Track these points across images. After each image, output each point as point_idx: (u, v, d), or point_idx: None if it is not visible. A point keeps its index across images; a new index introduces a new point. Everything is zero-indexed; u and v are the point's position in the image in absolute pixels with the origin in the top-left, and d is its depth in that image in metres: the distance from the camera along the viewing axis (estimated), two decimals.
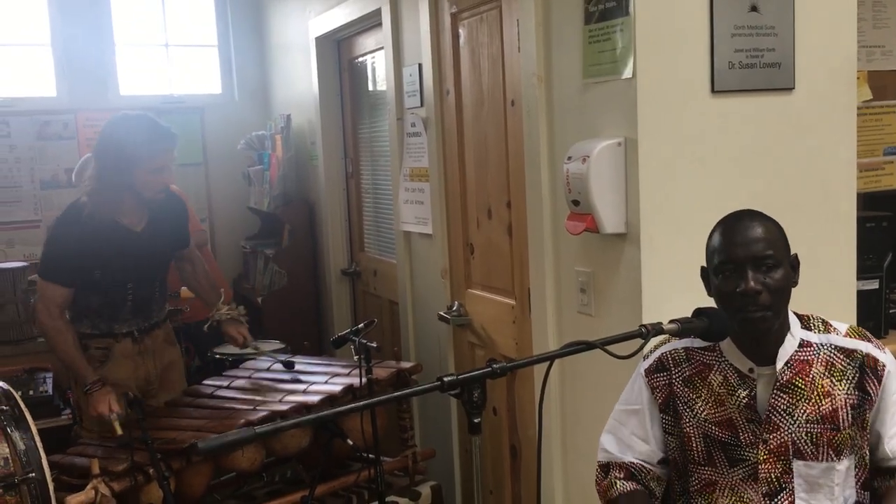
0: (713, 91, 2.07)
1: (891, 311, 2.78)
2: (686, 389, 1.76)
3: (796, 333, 1.70)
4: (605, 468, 1.87)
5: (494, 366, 1.44)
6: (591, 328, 2.23)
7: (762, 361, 1.69)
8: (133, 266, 2.87)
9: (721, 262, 1.67)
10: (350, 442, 2.61)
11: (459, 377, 1.41)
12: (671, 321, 1.62)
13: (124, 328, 2.92)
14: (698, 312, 1.65)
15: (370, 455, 2.60)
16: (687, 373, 1.77)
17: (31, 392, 3.49)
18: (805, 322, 1.74)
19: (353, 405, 1.42)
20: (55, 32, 4.77)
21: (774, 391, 1.67)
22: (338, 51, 4.29)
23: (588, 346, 1.53)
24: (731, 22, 2.06)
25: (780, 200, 2.18)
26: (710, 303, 1.73)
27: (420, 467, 2.97)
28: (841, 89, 2.24)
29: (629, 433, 1.83)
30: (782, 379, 1.68)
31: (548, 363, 1.55)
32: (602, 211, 2.07)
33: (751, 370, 1.69)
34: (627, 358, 1.55)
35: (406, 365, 2.99)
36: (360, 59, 4.09)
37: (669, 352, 1.80)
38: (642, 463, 1.81)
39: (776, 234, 1.67)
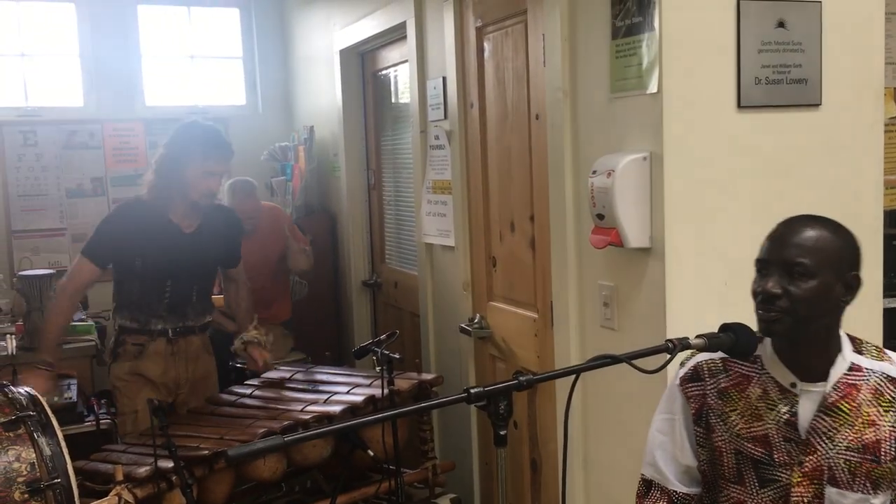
0: (739, 106, 2.07)
1: None
2: (720, 402, 1.69)
3: (847, 356, 1.62)
4: (648, 485, 1.80)
5: (521, 378, 1.44)
6: (614, 342, 2.23)
7: (806, 377, 1.61)
8: (174, 264, 2.97)
9: (757, 259, 1.63)
10: (371, 453, 2.62)
11: (486, 389, 1.42)
12: (698, 336, 1.61)
13: (159, 325, 3.00)
14: (725, 328, 1.63)
15: (391, 466, 2.60)
16: (723, 384, 1.70)
17: (55, 399, 3.52)
18: (858, 346, 1.65)
19: (378, 415, 1.43)
20: (84, 43, 4.84)
21: (818, 412, 1.60)
22: (361, 63, 4.32)
23: (614, 360, 1.53)
24: (759, 37, 2.06)
25: None
26: (730, 319, 1.71)
27: (440, 479, 2.97)
28: (868, 106, 2.23)
29: (671, 443, 1.76)
30: (828, 401, 1.59)
31: (574, 377, 1.55)
32: (627, 225, 2.07)
33: (793, 385, 1.62)
34: (654, 372, 1.55)
35: (427, 377, 2.99)
36: (384, 72, 4.12)
37: (706, 361, 1.73)
38: (685, 493, 1.75)
39: (827, 243, 1.57)
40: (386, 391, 2.61)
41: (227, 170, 3.09)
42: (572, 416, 2.42)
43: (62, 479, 2.07)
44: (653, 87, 2.03)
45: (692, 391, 1.73)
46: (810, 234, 1.58)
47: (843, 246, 1.60)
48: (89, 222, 3.03)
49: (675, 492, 1.76)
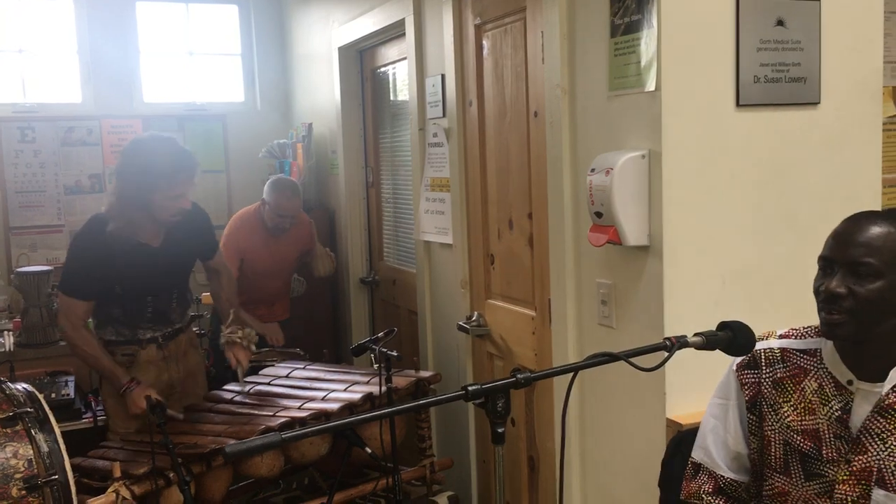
0: (738, 104, 2.07)
1: None
2: (774, 392, 1.67)
3: None
4: (697, 468, 1.78)
5: (519, 376, 1.43)
6: (612, 340, 2.23)
7: (863, 376, 1.58)
8: (152, 281, 2.91)
9: (821, 256, 1.59)
10: (369, 450, 2.62)
11: (484, 386, 1.41)
12: (696, 334, 1.61)
13: (148, 334, 2.95)
14: (723, 326, 1.63)
15: (389, 464, 2.60)
16: (779, 374, 1.68)
17: (52, 395, 3.53)
18: None
19: (377, 413, 1.43)
20: (82, 39, 4.83)
21: (872, 412, 1.57)
22: (360, 61, 4.32)
23: (612, 357, 1.52)
24: (758, 36, 2.06)
25: (803, 215, 2.18)
26: (728, 317, 1.71)
27: (437, 477, 2.98)
28: (866, 104, 2.23)
29: (724, 428, 1.74)
30: (885, 402, 1.56)
31: (571, 375, 1.54)
32: (625, 223, 2.07)
33: (850, 382, 1.58)
34: (651, 370, 1.54)
35: (425, 374, 2.99)
36: (383, 70, 4.11)
37: (764, 350, 1.70)
38: (732, 479, 1.73)
39: (894, 244, 1.52)
40: (384, 389, 2.61)
41: (195, 183, 2.89)
42: (570, 413, 2.44)
43: (59, 476, 2.07)
44: (651, 85, 2.03)
45: (748, 378, 1.71)
46: (878, 231, 1.53)
47: None
48: (87, 219, 2.95)
49: (723, 476, 1.74)
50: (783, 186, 2.14)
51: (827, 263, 1.57)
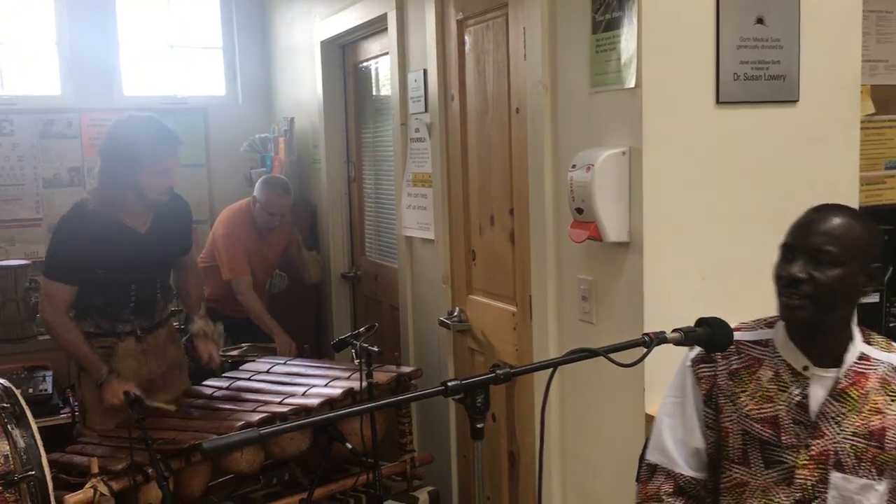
0: (718, 102, 2.08)
1: (891, 325, 2.79)
2: (730, 383, 1.71)
3: (858, 346, 1.66)
4: (652, 469, 1.80)
5: (498, 371, 1.44)
6: (592, 336, 2.24)
7: (818, 362, 1.64)
8: (136, 267, 2.88)
9: (783, 244, 1.65)
10: (349, 446, 2.61)
11: (463, 382, 1.42)
12: (674, 330, 1.62)
13: (127, 327, 2.93)
14: (701, 322, 1.65)
15: (369, 459, 2.60)
16: (734, 366, 1.72)
17: (30, 390, 3.50)
18: (867, 337, 1.69)
19: (357, 408, 1.43)
20: (61, 31, 4.78)
21: (828, 397, 1.63)
22: (342, 55, 4.31)
23: (591, 353, 1.53)
24: (738, 34, 2.07)
25: (782, 212, 2.18)
26: (707, 313, 1.72)
27: (418, 472, 2.98)
28: (845, 103, 2.25)
29: (681, 426, 1.77)
30: (838, 386, 1.63)
31: (551, 370, 1.55)
32: (605, 219, 2.08)
33: (806, 368, 1.65)
34: (630, 366, 1.55)
35: (406, 369, 2.99)
36: (365, 64, 4.10)
37: None
38: (692, 476, 1.76)
39: (854, 233, 1.59)
40: (364, 384, 2.61)
41: (179, 159, 2.89)
42: (550, 409, 2.44)
43: (36, 472, 2.06)
44: (632, 82, 2.04)
45: (704, 372, 1.75)
46: (838, 222, 1.60)
47: (868, 236, 1.62)
48: (72, 204, 2.91)
49: (682, 475, 1.76)
50: (762, 183, 2.16)
51: (789, 250, 1.63)
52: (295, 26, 4.73)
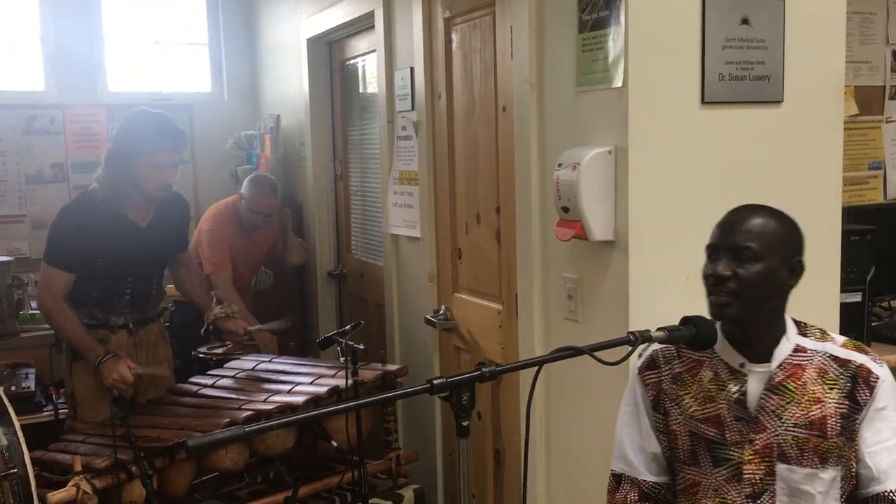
0: (703, 102, 2.09)
1: (873, 324, 2.82)
2: (674, 386, 1.77)
3: (792, 338, 1.71)
4: (618, 479, 1.85)
5: (484, 369, 1.45)
6: (578, 334, 2.25)
7: (754, 359, 1.70)
8: (135, 260, 2.92)
9: (707, 245, 1.72)
10: (334, 443, 2.61)
11: (449, 380, 1.42)
12: (659, 329, 1.64)
13: (121, 320, 2.95)
14: (686, 321, 1.67)
15: (354, 457, 2.60)
16: (677, 370, 1.78)
17: (13, 388, 3.47)
18: (802, 329, 1.74)
19: (342, 405, 1.42)
20: (45, 26, 4.74)
21: (765, 391, 1.68)
22: (329, 52, 4.30)
23: (577, 351, 1.54)
24: (723, 34, 2.08)
25: None
26: (692, 312, 1.74)
27: (403, 470, 2.98)
28: (828, 104, 2.27)
29: (638, 433, 1.82)
30: (774, 380, 1.69)
31: (536, 368, 1.56)
32: (591, 218, 2.08)
33: (742, 365, 1.70)
34: (615, 364, 1.56)
35: (392, 367, 2.99)
36: (352, 62, 4.09)
37: (661, 349, 1.81)
38: (655, 482, 1.81)
39: (772, 229, 1.67)
40: (350, 382, 2.61)
41: (181, 158, 2.95)
42: (535, 407, 2.46)
43: (19, 470, 2.05)
44: (618, 82, 2.04)
45: (650, 378, 1.80)
46: (757, 220, 1.69)
47: (786, 232, 1.70)
48: (49, 209, 2.93)
49: (645, 481, 1.81)
50: (747, 183, 2.17)
51: (714, 251, 1.71)
52: (281, 23, 4.72)
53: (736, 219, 1.70)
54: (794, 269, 1.70)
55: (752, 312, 1.66)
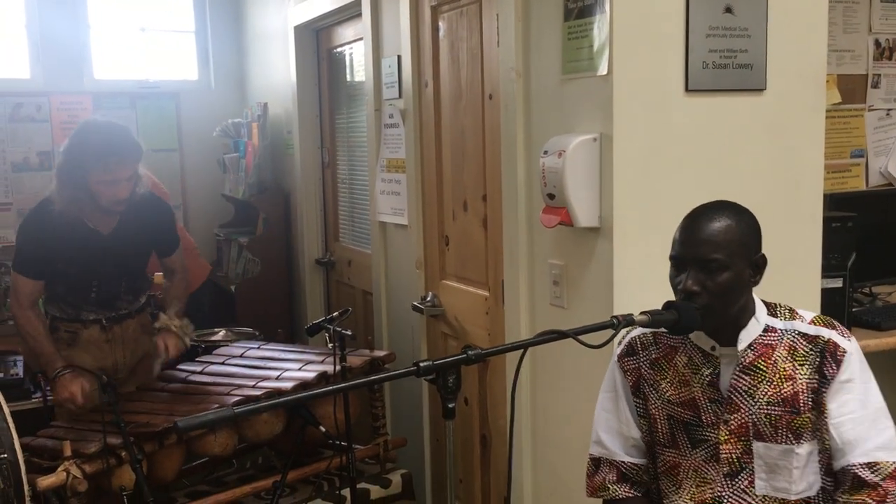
0: (687, 90, 2.12)
1: (854, 310, 2.86)
2: (652, 372, 1.81)
3: (762, 319, 1.74)
4: (597, 463, 1.89)
5: (469, 352, 1.47)
6: (563, 320, 2.27)
7: (725, 342, 1.74)
8: (97, 266, 2.88)
9: (671, 256, 1.74)
10: (323, 429, 2.63)
11: (435, 363, 1.45)
12: (642, 313, 1.66)
13: (91, 316, 2.94)
14: (668, 305, 1.69)
15: (342, 442, 2.62)
16: (654, 355, 1.82)
17: (1, 374, 3.48)
18: (772, 309, 1.78)
19: (329, 388, 1.45)
20: (31, 14, 4.71)
21: (736, 372, 1.72)
22: (316, 40, 4.29)
23: (561, 334, 1.57)
24: (706, 22, 2.11)
25: (749, 199, 2.22)
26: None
27: (391, 455, 3.00)
28: (811, 92, 2.29)
29: (617, 420, 1.86)
30: (745, 361, 1.72)
31: (521, 351, 1.58)
32: (576, 205, 2.11)
33: (713, 348, 1.74)
34: (599, 347, 1.59)
35: (380, 353, 3.01)
36: (339, 50, 4.09)
37: (639, 336, 1.85)
38: (633, 462, 1.85)
39: (734, 234, 1.68)
40: (338, 368, 2.63)
41: (134, 171, 2.80)
42: (521, 392, 2.48)
43: (9, 455, 2.05)
44: (603, 69, 2.06)
45: (629, 365, 1.85)
46: (717, 225, 1.68)
47: (747, 231, 1.71)
48: (36, 197, 2.91)
49: (624, 462, 1.86)
50: (730, 170, 2.19)
51: (678, 262, 1.72)
52: (269, 10, 4.71)
53: (696, 227, 1.70)
54: (758, 265, 1.72)
55: (724, 312, 1.69)
